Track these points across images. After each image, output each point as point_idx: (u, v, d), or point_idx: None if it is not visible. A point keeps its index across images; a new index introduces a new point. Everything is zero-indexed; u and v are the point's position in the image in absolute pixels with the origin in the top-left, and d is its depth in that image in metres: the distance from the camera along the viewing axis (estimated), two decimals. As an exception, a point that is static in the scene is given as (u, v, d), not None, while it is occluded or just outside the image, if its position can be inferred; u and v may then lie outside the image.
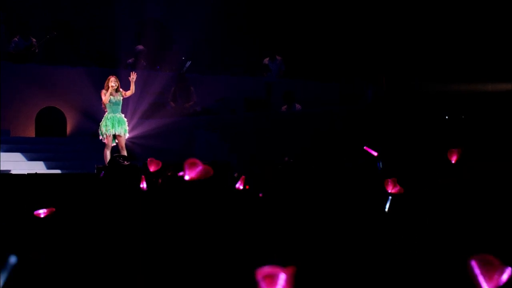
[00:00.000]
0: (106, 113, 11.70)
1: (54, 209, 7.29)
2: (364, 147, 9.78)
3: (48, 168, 12.68)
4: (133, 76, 11.74)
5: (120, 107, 11.72)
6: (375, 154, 9.87)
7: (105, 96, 11.61)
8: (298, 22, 17.00)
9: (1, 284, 4.02)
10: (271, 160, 11.44)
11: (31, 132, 14.28)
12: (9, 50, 14.82)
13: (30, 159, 12.89)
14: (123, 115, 11.77)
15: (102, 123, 11.67)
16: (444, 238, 6.59)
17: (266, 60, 16.29)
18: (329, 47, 16.65)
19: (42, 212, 7.17)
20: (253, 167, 10.80)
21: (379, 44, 15.99)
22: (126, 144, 11.86)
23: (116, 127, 11.59)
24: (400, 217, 7.32)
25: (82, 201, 8.34)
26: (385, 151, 10.74)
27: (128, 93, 11.80)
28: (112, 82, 11.61)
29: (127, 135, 11.82)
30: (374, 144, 10.67)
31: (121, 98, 11.72)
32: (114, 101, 11.64)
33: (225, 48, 16.85)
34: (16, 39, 14.86)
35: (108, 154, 11.62)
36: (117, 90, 11.67)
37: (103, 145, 11.69)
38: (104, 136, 11.63)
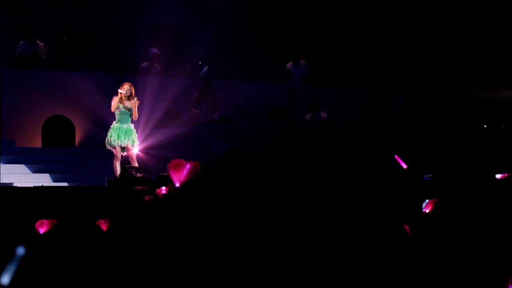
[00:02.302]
0: (114, 122, 11.41)
1: (55, 222, 7.08)
2: (395, 156, 9.74)
3: (55, 180, 12.48)
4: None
5: (129, 117, 11.47)
6: (405, 166, 9.76)
7: (113, 103, 11.31)
8: (323, 25, 16.73)
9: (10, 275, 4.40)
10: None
11: (37, 142, 14.07)
12: (14, 54, 14.67)
13: (35, 171, 12.71)
14: (132, 125, 11.53)
15: (108, 133, 11.43)
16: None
17: (289, 65, 16.04)
18: (356, 51, 16.34)
19: (42, 225, 6.96)
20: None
21: (411, 49, 15.71)
22: (138, 155, 11.62)
23: (122, 139, 11.36)
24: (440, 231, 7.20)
25: (91, 216, 8.14)
26: (420, 162, 10.55)
27: (133, 115, 11.51)
28: (124, 89, 11.31)
29: (137, 146, 11.57)
30: (407, 154, 10.52)
31: (132, 107, 11.44)
32: (123, 110, 11.36)
33: (244, 52, 16.58)
34: (21, 42, 14.73)
35: (117, 165, 11.42)
36: (129, 98, 11.38)
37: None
38: (110, 147, 11.33)
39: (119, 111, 11.38)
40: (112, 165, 11.42)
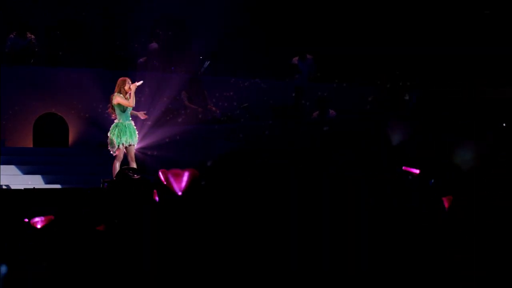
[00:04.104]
0: (119, 120, 11.13)
1: (52, 217, 7.04)
2: (403, 168, 9.84)
3: (47, 182, 12.43)
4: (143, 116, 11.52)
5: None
6: (417, 171, 9.92)
7: (130, 100, 11.05)
8: (331, 20, 16.64)
9: None
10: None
11: (28, 142, 13.99)
12: (4, 49, 14.58)
13: (26, 172, 12.67)
14: (132, 122, 11.40)
15: (115, 133, 11.07)
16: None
17: (295, 60, 16.04)
18: (365, 47, 16.23)
19: (39, 221, 6.90)
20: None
21: (422, 46, 15.61)
22: (135, 155, 11.42)
23: (133, 137, 11.20)
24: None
25: (85, 220, 8.10)
26: (436, 164, 10.53)
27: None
28: (131, 84, 11.10)
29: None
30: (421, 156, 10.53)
31: None
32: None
33: (248, 47, 16.49)
34: (12, 36, 14.64)
35: (118, 166, 11.15)
36: (129, 95, 11.29)
37: (110, 157, 11.21)
38: (119, 147, 11.04)
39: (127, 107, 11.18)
40: (112, 165, 11.15)
